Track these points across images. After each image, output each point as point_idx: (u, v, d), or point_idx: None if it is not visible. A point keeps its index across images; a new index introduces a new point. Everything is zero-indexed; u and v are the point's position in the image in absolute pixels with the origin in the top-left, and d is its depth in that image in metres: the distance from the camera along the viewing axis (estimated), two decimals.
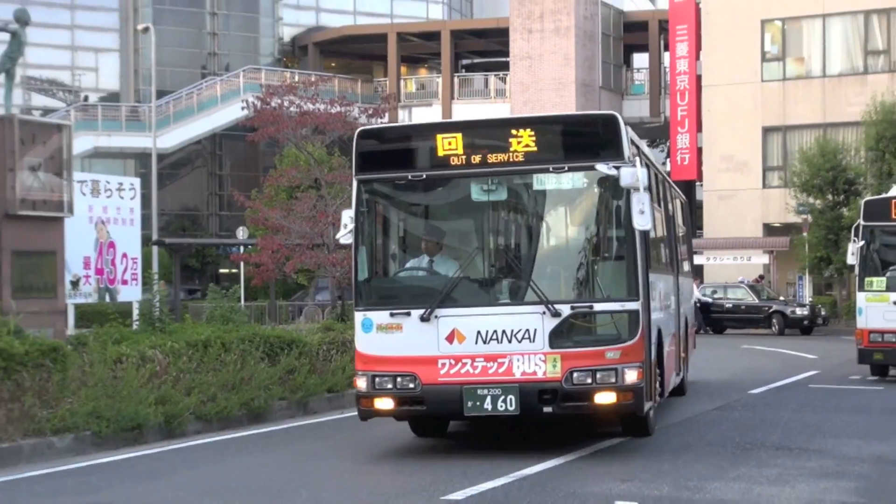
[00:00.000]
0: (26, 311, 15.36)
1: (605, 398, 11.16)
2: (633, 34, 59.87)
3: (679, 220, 19.08)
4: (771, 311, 39.79)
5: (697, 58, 51.66)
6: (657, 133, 60.64)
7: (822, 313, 40.19)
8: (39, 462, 12.06)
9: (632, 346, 11.27)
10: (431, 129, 12.61)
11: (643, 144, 15.37)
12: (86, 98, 65.61)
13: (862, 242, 19.95)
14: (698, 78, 51.37)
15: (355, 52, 70.46)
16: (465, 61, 69.36)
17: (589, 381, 11.13)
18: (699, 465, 11.16)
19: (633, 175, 10.98)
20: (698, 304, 39.71)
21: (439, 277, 11.93)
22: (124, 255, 22.80)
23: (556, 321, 11.25)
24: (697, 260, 47.07)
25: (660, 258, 15.03)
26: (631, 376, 11.17)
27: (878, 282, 19.93)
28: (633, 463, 11.40)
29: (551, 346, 11.26)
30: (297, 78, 38.90)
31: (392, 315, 11.66)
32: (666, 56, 56.80)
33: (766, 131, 48.87)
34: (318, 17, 72.46)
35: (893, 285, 19.75)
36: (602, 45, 57.07)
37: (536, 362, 11.26)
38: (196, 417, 14.29)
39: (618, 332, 11.38)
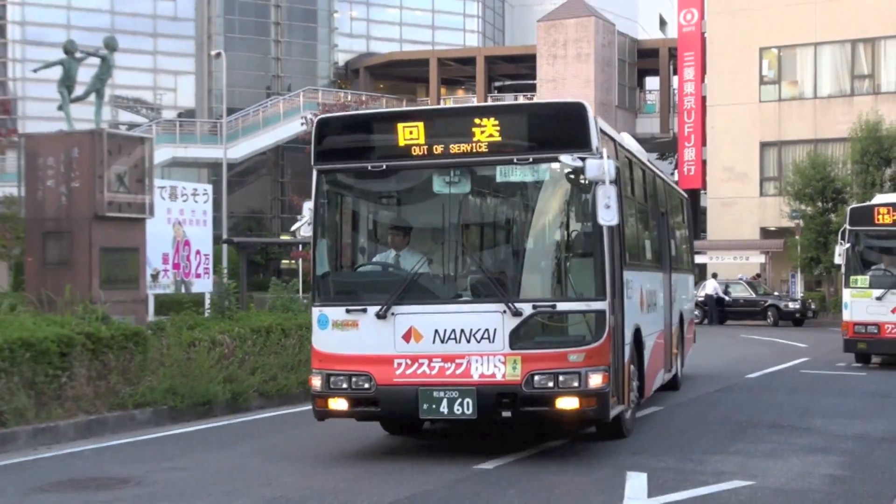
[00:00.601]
0: (112, 300, 15.48)
1: (567, 403, 9.38)
2: (646, 60, 59.70)
3: (676, 217, 17.51)
4: (766, 304, 39.72)
5: (703, 81, 51.48)
6: (666, 147, 60.43)
7: (812, 307, 40.03)
8: (123, 432, 12.14)
9: (597, 349, 9.46)
10: (392, 118, 10.64)
11: (624, 138, 13.51)
12: (168, 113, 65.99)
13: (848, 245, 20.03)
14: (703, 98, 51.19)
15: (401, 75, 70.63)
16: (497, 83, 69.20)
17: (550, 384, 9.36)
18: (702, 441, 11.11)
19: (598, 167, 9.14)
20: (713, 298, 39.82)
21: (398, 273, 10.19)
22: (198, 252, 22.86)
23: (516, 321, 9.48)
24: (701, 259, 47.17)
25: (643, 254, 13.10)
26: (595, 380, 9.38)
27: (862, 280, 19.92)
28: (642, 438, 11.30)
29: (511, 346, 9.49)
30: (349, 98, 39.11)
31: (348, 311, 9.91)
32: (675, 79, 56.54)
33: (764, 146, 48.69)
34: (369, 44, 72.80)
35: (875, 283, 19.75)
36: (618, 69, 56.94)
37: (496, 364, 9.50)
38: (259, 394, 14.35)
39: (582, 333, 9.60)
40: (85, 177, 16.55)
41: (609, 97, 55.64)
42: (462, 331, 9.61)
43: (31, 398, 11.57)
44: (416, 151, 9.96)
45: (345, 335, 9.91)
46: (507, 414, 9.53)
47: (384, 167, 10.17)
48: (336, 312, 9.98)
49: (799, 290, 44.71)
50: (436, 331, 9.68)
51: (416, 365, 9.70)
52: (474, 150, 9.82)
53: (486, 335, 9.55)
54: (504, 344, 9.50)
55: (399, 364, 9.72)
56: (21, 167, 20.00)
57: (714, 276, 42.45)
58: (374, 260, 10.80)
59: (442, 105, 13.09)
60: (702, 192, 52.50)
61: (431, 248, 10.38)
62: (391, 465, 9.89)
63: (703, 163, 51.36)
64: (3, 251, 38.65)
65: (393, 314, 9.76)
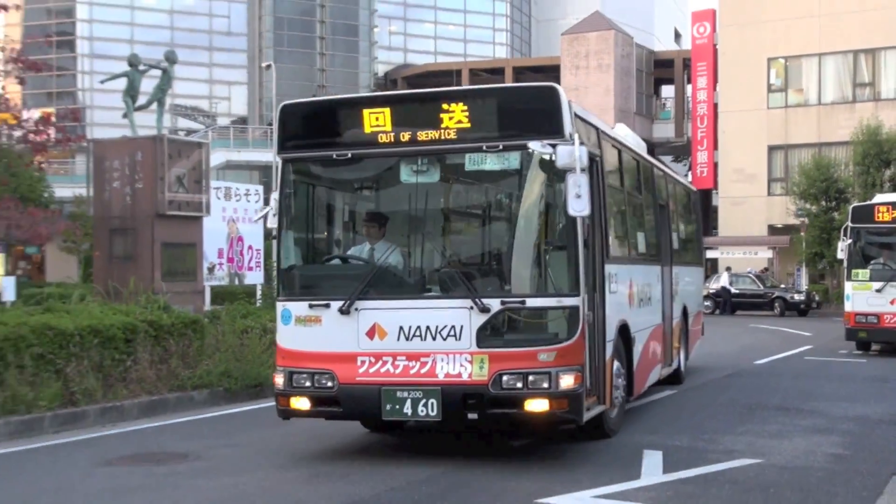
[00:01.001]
0: (172, 291, 15.64)
1: (536, 405, 8.14)
2: (662, 69, 59.39)
3: (682, 211, 16.39)
4: (773, 296, 39.40)
5: (714, 89, 51.14)
6: (681, 151, 60.08)
7: (816, 299, 39.69)
8: (182, 411, 12.24)
9: (569, 347, 8.21)
10: (358, 104, 9.30)
11: (619, 129, 12.58)
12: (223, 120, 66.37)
13: (850, 241, 19.89)
14: (715, 105, 50.86)
15: (435, 85, 70.35)
16: None
17: (519, 385, 8.12)
18: (713, 422, 11.05)
19: (569, 154, 7.90)
20: (728, 290, 39.66)
21: (364, 266, 9.00)
22: (250, 247, 23.01)
23: (484, 317, 8.23)
24: (713, 254, 47.11)
25: (634, 247, 11.59)
26: (567, 381, 8.13)
27: (863, 273, 19.77)
28: (657, 419, 11.28)
29: (479, 345, 8.25)
30: None
31: (311, 307, 8.73)
32: (688, 88, 56.24)
33: (771, 149, 48.32)
34: (406, 56, 73.00)
35: (875, 276, 19.60)
36: (636, 78, 56.67)
37: (462, 363, 8.26)
38: None
39: (553, 330, 8.33)
40: (147, 178, 16.70)
41: (628, 104, 55.38)
42: (428, 328, 8.39)
43: (100, 380, 11.70)
44: (382, 139, 8.72)
45: (308, 331, 8.77)
46: (473, 416, 8.31)
47: (349, 155, 8.92)
48: (299, 307, 8.83)
49: (804, 282, 44.36)
50: (401, 328, 8.46)
51: (379, 363, 8.50)
52: (443, 138, 8.56)
53: (452, 332, 8.33)
54: (471, 342, 8.28)
55: (362, 362, 8.53)
56: (90, 170, 20.16)
57: (728, 269, 42.45)
58: (349, 253, 9.64)
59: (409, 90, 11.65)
60: (714, 191, 52.19)
61: (398, 241, 9.22)
62: (406, 449, 9.79)
63: (715, 165, 51.05)
64: (73, 246, 39.03)
65: (356, 310, 8.57)
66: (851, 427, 10.75)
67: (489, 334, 8.30)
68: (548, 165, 8.22)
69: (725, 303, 39.85)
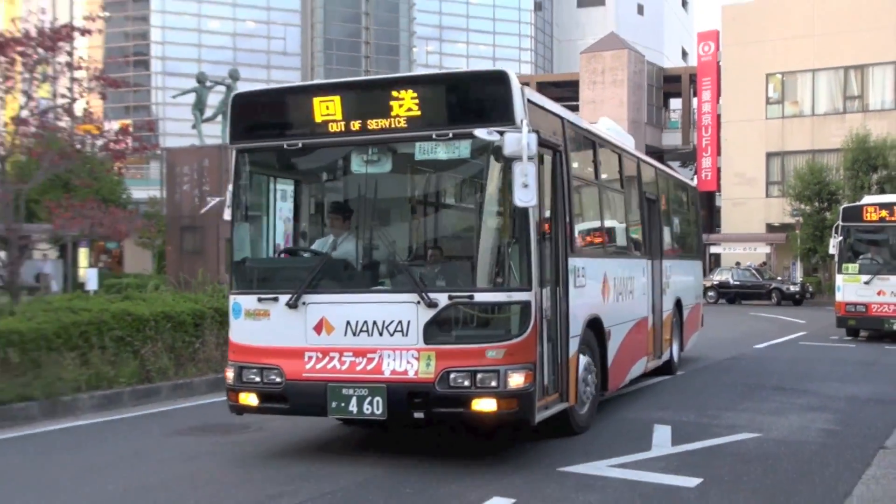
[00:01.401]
0: None
1: (484, 405, 6.96)
2: (670, 84, 58.93)
3: (677, 206, 14.92)
4: (771, 287, 39.11)
5: (718, 101, 50.74)
6: (687, 157, 59.55)
7: (810, 290, 39.41)
8: None
9: (519, 344, 7.02)
10: (308, 91, 8.00)
11: (602, 122, 11.33)
12: None
13: (840, 238, 19.72)
14: (718, 116, 50.49)
15: None
16: None
17: (466, 383, 6.98)
18: (716, 400, 10.96)
19: (516, 142, 6.78)
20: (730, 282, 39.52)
21: (314, 259, 7.97)
22: None
23: (431, 312, 7.07)
24: (716, 250, 46.97)
25: (613, 240, 10.37)
26: (516, 380, 6.97)
27: (852, 267, 19.56)
28: (666, 397, 11.21)
29: (426, 341, 7.10)
30: None
31: (260, 300, 7.63)
32: (694, 100, 55.80)
33: (769, 155, 47.88)
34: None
35: (864, 269, 19.43)
36: (647, 92, 56.29)
37: (409, 360, 7.13)
38: None
39: (503, 327, 7.11)
40: (213, 182, 16.80)
41: (639, 115, 55.04)
42: (375, 323, 7.25)
43: (171, 360, 11.79)
44: (333, 128, 7.58)
45: (257, 326, 7.65)
46: (419, 414, 7.17)
47: (300, 145, 7.82)
48: (249, 301, 7.72)
49: (799, 275, 43.92)
50: (348, 322, 7.33)
51: (326, 359, 7.40)
52: (393, 126, 7.39)
53: (399, 328, 7.18)
54: (418, 338, 7.12)
55: (310, 358, 7.42)
56: (163, 174, 20.32)
57: (737, 264, 42.52)
58: (313, 246, 8.44)
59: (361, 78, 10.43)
60: (717, 193, 51.83)
61: (353, 234, 7.91)
62: None
63: (718, 170, 50.67)
64: (148, 242, 39.35)
65: (304, 304, 7.47)
66: (842, 405, 10.64)
67: (437, 330, 7.10)
68: (499, 154, 7.06)
69: (727, 294, 39.57)
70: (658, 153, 52.77)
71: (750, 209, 47.58)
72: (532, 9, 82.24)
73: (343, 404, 7.26)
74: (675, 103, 61.32)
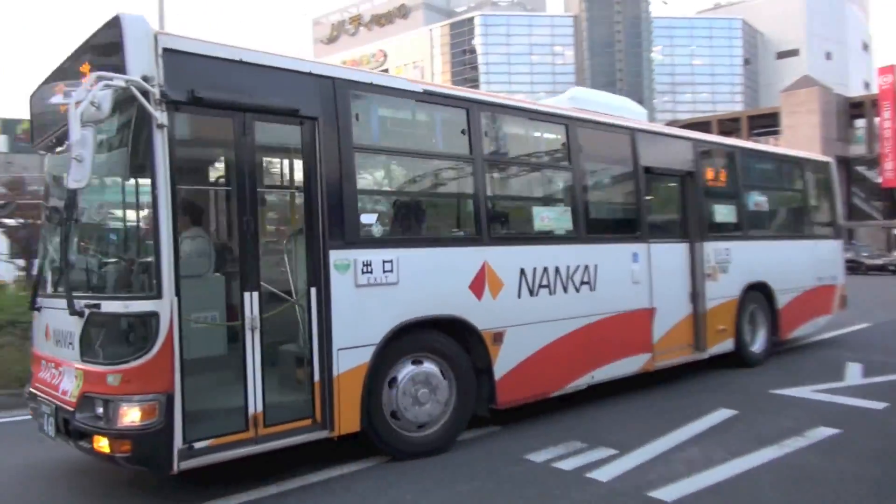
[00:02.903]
0: None
1: (102, 444, 3.88)
2: (854, 108, 53.01)
3: (757, 181, 8.59)
4: None
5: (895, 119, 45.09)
6: (872, 162, 53.26)
7: None
8: None
9: (138, 370, 3.82)
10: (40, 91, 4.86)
11: (384, 75, 5.29)
12: None
13: None
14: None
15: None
16: (755, 131, 64.17)
17: (90, 414, 3.97)
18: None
19: (77, 102, 3.61)
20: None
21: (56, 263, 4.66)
22: None
23: (81, 323, 4.07)
24: None
25: (601, 222, 6.40)
26: (129, 416, 3.80)
27: None
28: (856, 343, 9.35)
29: (81, 357, 4.09)
30: None
31: (32, 305, 4.81)
32: (876, 119, 49.82)
33: None
34: (675, 108, 69.96)
35: None
36: (836, 116, 50.99)
37: (72, 378, 4.14)
38: None
39: (125, 345, 3.90)
40: None
41: (829, 133, 50.15)
42: (63, 332, 4.31)
43: None
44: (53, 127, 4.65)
45: (36, 332, 4.84)
46: (77, 444, 4.12)
47: (44, 150, 4.99)
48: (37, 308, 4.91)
49: None
50: (54, 330, 4.45)
51: (44, 369, 4.57)
52: (62, 110, 4.32)
53: (70, 340, 4.21)
54: (77, 353, 4.14)
55: (41, 366, 4.61)
56: None
57: None
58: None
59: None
60: None
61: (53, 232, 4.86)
62: None
63: None
64: None
65: (38, 309, 4.73)
66: None
67: (87, 345, 4.09)
68: (141, 122, 3.88)
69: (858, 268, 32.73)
70: (845, 160, 47.74)
71: None
72: (742, 63, 77.84)
73: (41, 422, 4.44)
74: (860, 123, 54.98)
